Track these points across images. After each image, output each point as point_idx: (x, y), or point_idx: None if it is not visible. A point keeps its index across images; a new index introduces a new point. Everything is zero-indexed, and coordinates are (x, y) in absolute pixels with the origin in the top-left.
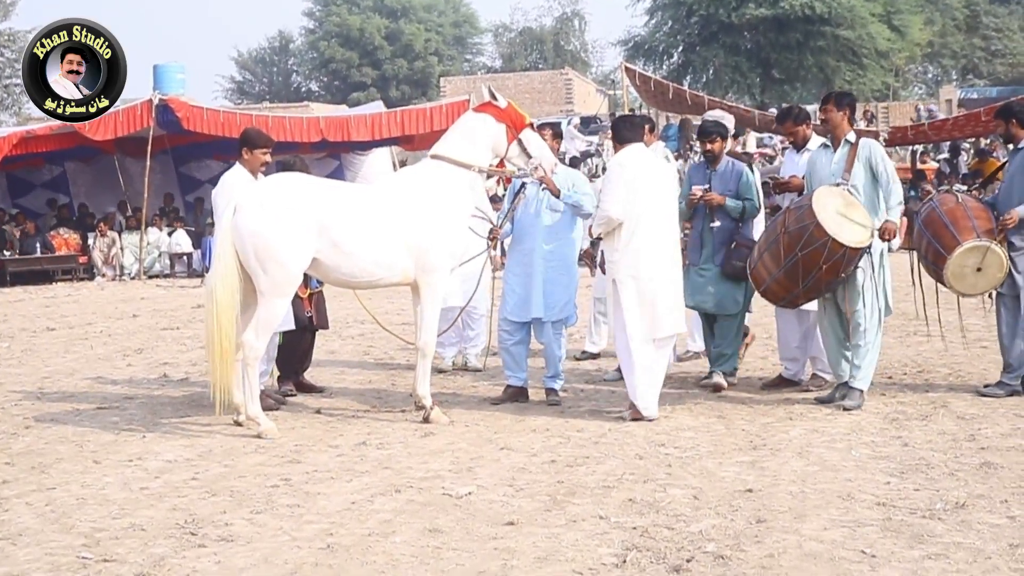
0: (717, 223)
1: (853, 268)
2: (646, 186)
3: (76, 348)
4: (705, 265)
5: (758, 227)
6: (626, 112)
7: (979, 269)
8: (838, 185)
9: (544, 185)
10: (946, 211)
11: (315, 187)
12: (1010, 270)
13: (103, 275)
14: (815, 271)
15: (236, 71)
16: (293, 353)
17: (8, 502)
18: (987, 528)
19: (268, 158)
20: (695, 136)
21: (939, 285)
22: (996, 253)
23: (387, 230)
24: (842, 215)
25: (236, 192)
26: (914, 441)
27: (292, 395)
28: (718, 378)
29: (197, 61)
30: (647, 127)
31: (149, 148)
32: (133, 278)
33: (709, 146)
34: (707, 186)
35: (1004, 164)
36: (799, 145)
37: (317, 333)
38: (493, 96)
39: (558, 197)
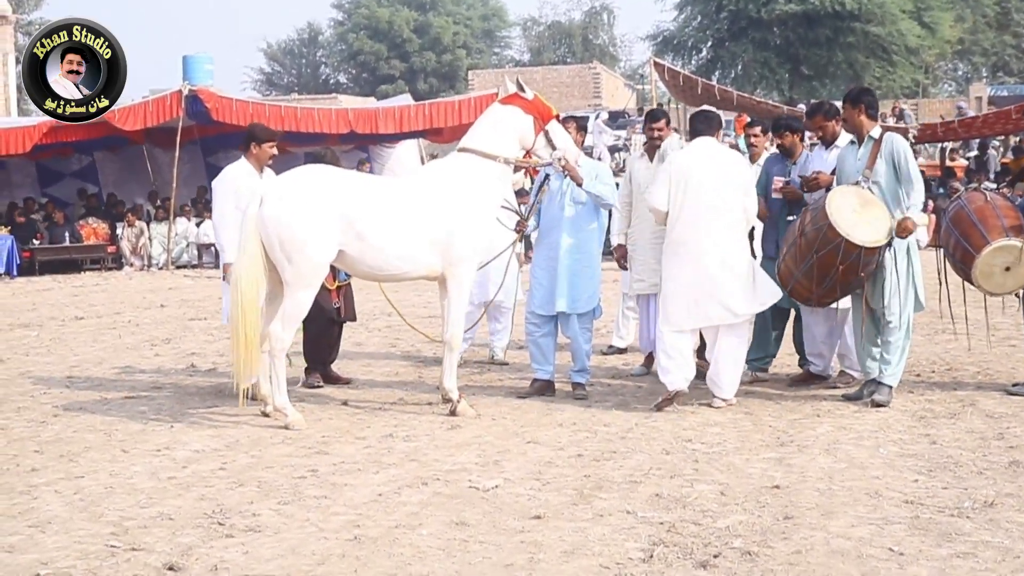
0: (793, 217)
1: (874, 267)
2: (699, 180)
3: (104, 337)
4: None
5: None
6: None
7: (1007, 268)
8: (857, 183)
9: (568, 173)
10: (974, 209)
11: (341, 179)
12: None
13: (131, 265)
14: (832, 272)
15: (265, 62)
16: (320, 344)
17: (37, 490)
18: (1016, 527)
19: (275, 151)
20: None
21: (966, 283)
22: None
23: (413, 223)
24: (857, 214)
25: (241, 184)
26: (942, 439)
27: (319, 386)
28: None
29: (226, 52)
30: (664, 120)
31: (178, 138)
32: (161, 268)
33: (779, 141)
34: (787, 179)
35: None
36: (828, 141)
37: (345, 325)
38: (521, 88)
39: (581, 186)
